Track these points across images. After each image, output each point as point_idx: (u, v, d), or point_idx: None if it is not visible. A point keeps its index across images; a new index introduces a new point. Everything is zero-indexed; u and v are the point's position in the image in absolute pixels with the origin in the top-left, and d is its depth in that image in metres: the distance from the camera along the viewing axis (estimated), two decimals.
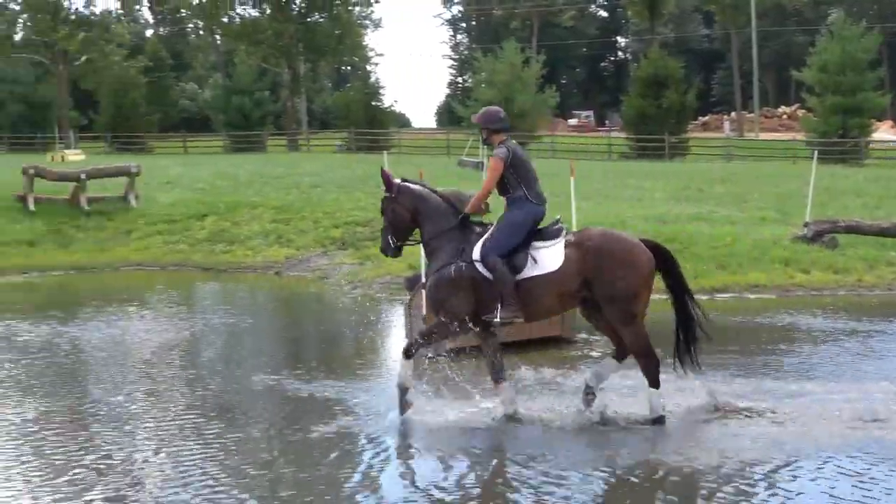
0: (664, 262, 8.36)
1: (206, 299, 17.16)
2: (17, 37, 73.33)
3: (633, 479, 7.01)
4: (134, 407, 8.98)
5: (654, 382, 8.12)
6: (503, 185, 8.27)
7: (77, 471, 7.26)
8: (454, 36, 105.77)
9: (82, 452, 7.67)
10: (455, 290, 8.16)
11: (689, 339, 8.48)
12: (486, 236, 8.21)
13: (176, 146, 63.56)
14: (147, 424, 8.41)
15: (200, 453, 7.61)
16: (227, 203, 25.12)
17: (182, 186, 29.74)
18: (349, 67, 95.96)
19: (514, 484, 6.94)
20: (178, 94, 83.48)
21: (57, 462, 7.47)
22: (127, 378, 10.18)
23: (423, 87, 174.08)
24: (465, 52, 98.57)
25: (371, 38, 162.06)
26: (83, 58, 69.31)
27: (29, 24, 72.19)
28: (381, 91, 68.52)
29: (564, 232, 8.25)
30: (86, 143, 67.50)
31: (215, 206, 24.85)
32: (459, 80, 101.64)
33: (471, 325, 8.23)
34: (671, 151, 49.97)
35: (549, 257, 8.09)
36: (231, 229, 23.12)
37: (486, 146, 8.61)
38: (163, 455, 7.59)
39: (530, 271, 8.08)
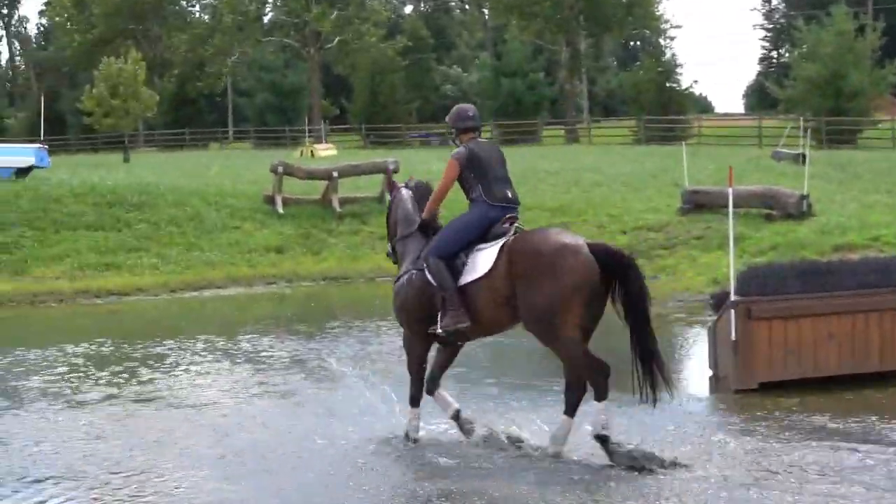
0: (618, 272, 8.22)
1: None
2: (266, 18, 78.47)
3: None
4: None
5: (600, 394, 8.16)
6: (464, 187, 8.86)
7: None
8: (768, 2, 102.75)
9: None
10: (409, 300, 8.82)
11: (646, 372, 8.35)
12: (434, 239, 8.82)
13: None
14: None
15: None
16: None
17: None
18: (639, 42, 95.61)
19: None
20: (439, 78, 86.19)
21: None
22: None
23: (729, 64, 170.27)
24: (782, 21, 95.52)
25: (666, 7, 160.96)
26: (336, 39, 73.14)
27: (279, 4, 77.03)
28: (678, 70, 67.65)
29: (512, 232, 8.54)
30: (337, 135, 71.17)
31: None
32: (774, 54, 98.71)
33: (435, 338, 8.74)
34: None
35: (482, 260, 8.48)
36: None
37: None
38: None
39: (467, 276, 8.52)
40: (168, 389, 11.63)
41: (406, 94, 74.25)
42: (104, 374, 12.56)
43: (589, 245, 8.26)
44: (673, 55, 76.61)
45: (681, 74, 71.90)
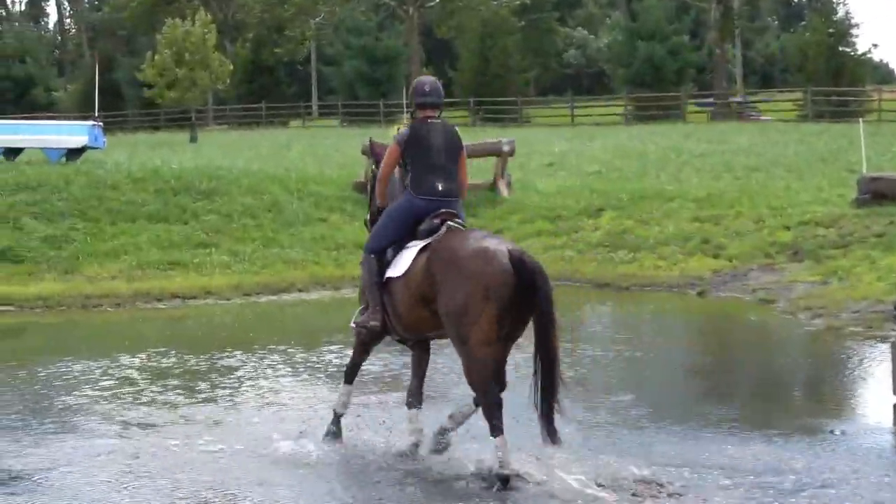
0: (525, 278, 8.63)
1: (597, 326, 17.50)
2: None
3: None
4: None
5: (494, 429, 8.59)
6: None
7: None
8: None
9: None
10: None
11: (544, 395, 8.81)
12: None
13: (559, 113, 65.54)
14: None
15: None
16: (631, 193, 25.50)
17: (569, 169, 30.65)
18: None
19: None
20: (562, 41, 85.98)
21: None
22: None
23: None
24: None
25: None
26: None
27: None
28: (853, 31, 66.46)
29: (442, 231, 9.15)
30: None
31: (614, 198, 25.31)
32: None
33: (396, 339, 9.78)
34: None
35: (404, 259, 9.28)
36: (636, 230, 23.43)
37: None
38: None
39: (390, 272, 9.41)
40: (233, 411, 11.60)
41: (522, 62, 74.21)
42: (157, 390, 12.73)
43: (510, 251, 8.72)
44: (847, 13, 75.41)
45: (856, 37, 70.82)
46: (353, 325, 9.84)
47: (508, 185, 26.63)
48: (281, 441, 10.00)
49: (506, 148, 26.55)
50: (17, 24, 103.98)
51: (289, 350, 15.07)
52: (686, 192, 25.31)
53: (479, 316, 8.58)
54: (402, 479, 8.99)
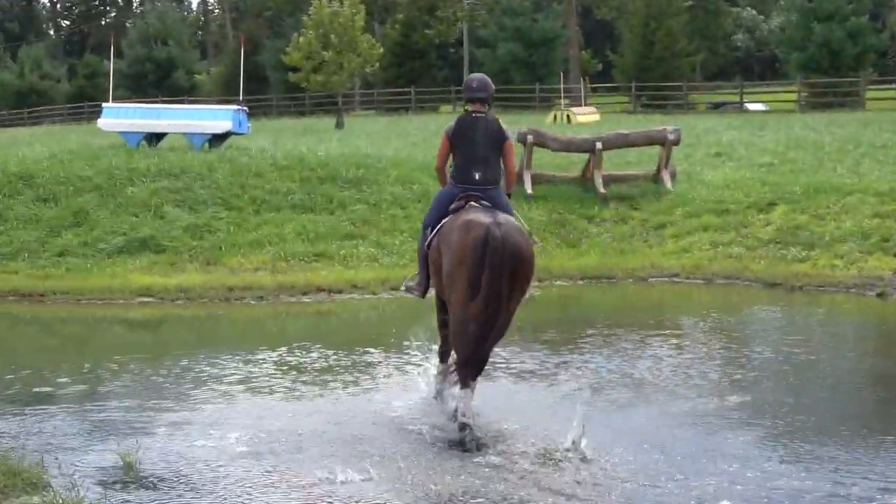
0: (494, 255, 10.09)
1: (763, 329, 17.20)
2: None
3: None
4: None
5: (462, 383, 10.39)
6: None
7: None
8: None
9: None
10: None
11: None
12: None
13: (728, 98, 64.69)
14: None
15: None
16: (805, 186, 25.07)
17: (738, 160, 30.21)
18: None
19: None
20: (731, 23, 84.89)
21: None
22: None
23: None
24: None
25: None
26: None
27: None
28: None
29: (459, 207, 10.86)
30: (600, 96, 71.08)
31: (787, 191, 24.91)
32: None
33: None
34: None
35: (433, 234, 11.11)
36: (810, 226, 23.05)
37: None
38: None
39: (425, 245, 11.41)
40: (373, 421, 11.29)
41: (688, 45, 73.49)
42: (292, 386, 12.92)
43: (488, 225, 10.20)
44: None
45: None
46: (402, 287, 12.38)
47: (673, 176, 26.37)
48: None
49: (671, 136, 26.28)
50: (159, 4, 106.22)
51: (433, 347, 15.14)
52: (866, 185, 24.77)
53: (457, 281, 10.31)
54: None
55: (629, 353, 14.73)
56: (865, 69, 63.74)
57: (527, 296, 10.73)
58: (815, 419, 11.22)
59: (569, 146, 27.48)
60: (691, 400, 11.96)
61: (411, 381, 12.76)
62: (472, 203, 10.81)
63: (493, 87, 11.43)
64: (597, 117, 52.48)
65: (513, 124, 32.94)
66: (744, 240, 23.07)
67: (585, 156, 26.90)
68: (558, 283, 21.47)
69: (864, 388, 13.27)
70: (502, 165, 11.32)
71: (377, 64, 62.35)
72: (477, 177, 10.99)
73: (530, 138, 26.32)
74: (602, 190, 25.80)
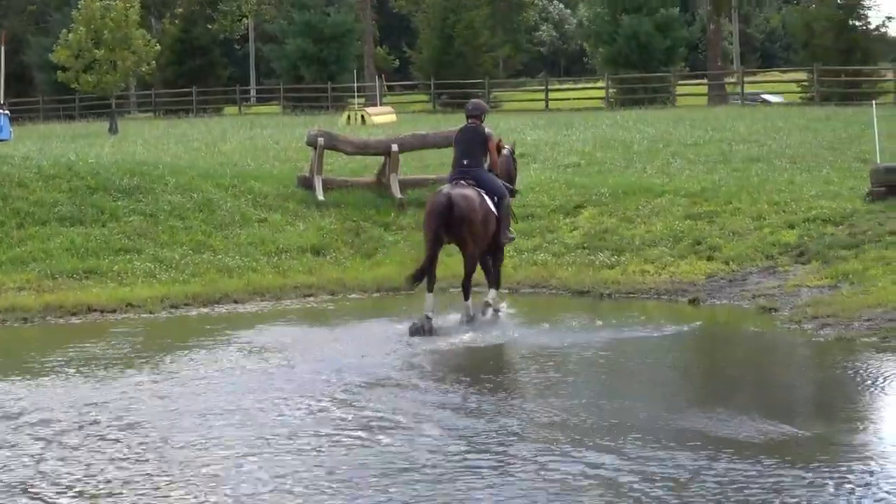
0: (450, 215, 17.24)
1: (567, 340, 17.31)
2: None
3: None
4: None
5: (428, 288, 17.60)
6: None
7: None
8: None
9: None
10: None
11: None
12: None
13: (532, 97, 65.66)
14: None
15: None
16: (614, 188, 25.53)
17: (542, 161, 30.69)
18: None
19: None
20: (535, 17, 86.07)
21: None
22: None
23: None
24: None
25: None
26: None
27: None
28: (866, 4, 66.66)
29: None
30: (397, 95, 71.36)
31: (595, 193, 25.36)
32: None
33: None
34: None
35: None
36: (619, 230, 23.49)
37: None
38: None
39: None
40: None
41: (490, 39, 74.23)
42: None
43: (450, 194, 17.31)
44: None
45: (870, 9, 70.83)
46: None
47: None
48: None
49: None
50: None
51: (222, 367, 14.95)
52: (677, 185, 25.37)
53: (425, 229, 17.64)
54: None
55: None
56: (676, 63, 65.29)
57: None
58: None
59: (363, 149, 27.57)
60: None
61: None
62: (461, 181, 17.69)
63: (487, 106, 19.69)
64: (393, 118, 52.67)
65: (303, 128, 32.93)
66: (550, 246, 23.37)
67: (381, 159, 26.95)
68: (353, 296, 21.46)
69: (666, 397, 13.49)
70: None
71: (154, 62, 61.36)
72: (464, 162, 17.99)
73: (321, 141, 26.28)
74: (399, 195, 25.90)
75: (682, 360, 16.21)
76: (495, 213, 17.90)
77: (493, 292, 18.58)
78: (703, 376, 15.29)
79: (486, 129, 18.36)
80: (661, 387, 14.31)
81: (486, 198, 17.73)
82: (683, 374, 15.29)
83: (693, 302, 19.76)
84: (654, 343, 16.79)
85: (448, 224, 17.12)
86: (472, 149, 18.07)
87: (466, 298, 17.89)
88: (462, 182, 17.66)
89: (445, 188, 17.61)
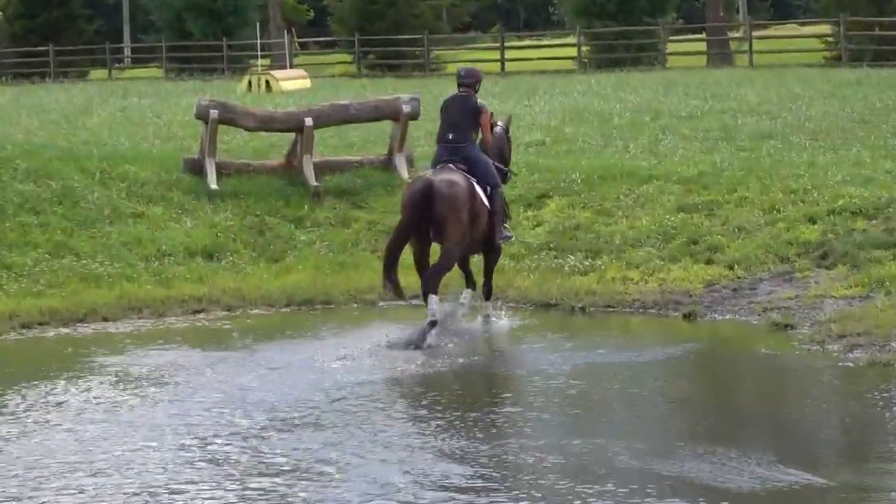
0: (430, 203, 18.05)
1: (531, 368, 17.42)
2: None
3: None
4: None
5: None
6: None
7: None
8: None
9: None
10: None
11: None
12: None
13: (485, 57, 65.62)
14: None
15: None
16: (588, 172, 25.62)
17: None
18: None
19: None
20: None
21: None
22: None
23: None
24: None
25: None
26: None
27: None
28: None
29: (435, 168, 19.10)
30: (312, 55, 71.26)
31: (564, 180, 25.45)
32: None
33: None
34: None
35: None
36: (595, 225, 23.57)
37: None
38: None
39: None
40: None
41: None
42: None
43: (431, 180, 18.22)
44: None
45: None
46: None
47: (410, 161, 26.56)
48: None
49: (406, 108, 26.54)
50: None
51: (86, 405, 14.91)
52: (668, 169, 25.48)
53: (401, 217, 18.58)
54: None
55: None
56: (666, 14, 65.43)
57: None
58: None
59: (268, 123, 27.49)
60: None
61: None
62: (448, 165, 18.65)
63: (481, 74, 20.46)
64: (307, 83, 52.58)
65: (191, 96, 32.79)
66: (506, 247, 23.35)
67: (291, 136, 26.90)
68: (255, 311, 21.37)
69: (657, 439, 13.60)
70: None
71: (0, 15, 61.24)
72: (450, 137, 19.01)
73: (214, 113, 26.09)
74: (314, 182, 25.84)
75: (674, 391, 16.22)
76: (488, 206, 18.75)
77: (488, 304, 20.05)
78: (699, 410, 15.26)
79: (479, 101, 19.35)
80: (645, 423, 14.36)
81: (478, 187, 18.59)
82: (675, 408, 15.30)
83: (688, 317, 19.83)
84: (638, 369, 16.90)
85: (429, 218, 17.93)
86: (461, 121, 19.04)
87: (427, 294, 18.28)
88: (450, 166, 18.59)
89: (427, 173, 18.91)
